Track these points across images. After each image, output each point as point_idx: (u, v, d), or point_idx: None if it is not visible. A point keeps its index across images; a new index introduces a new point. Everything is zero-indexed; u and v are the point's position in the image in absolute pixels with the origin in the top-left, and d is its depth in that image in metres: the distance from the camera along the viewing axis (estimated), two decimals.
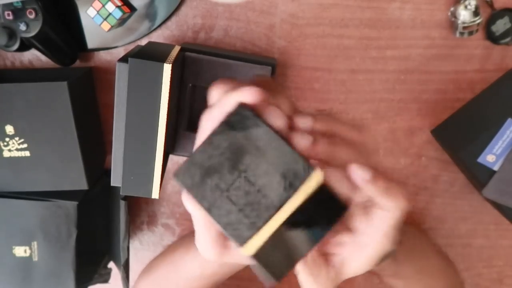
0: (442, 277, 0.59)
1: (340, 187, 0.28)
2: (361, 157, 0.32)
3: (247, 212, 0.25)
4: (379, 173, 0.30)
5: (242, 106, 0.26)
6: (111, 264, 0.66)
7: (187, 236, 0.63)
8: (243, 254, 0.25)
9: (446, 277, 0.60)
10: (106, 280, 0.65)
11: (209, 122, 0.28)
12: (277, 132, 0.26)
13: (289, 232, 0.25)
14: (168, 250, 0.62)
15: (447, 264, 0.62)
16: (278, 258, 0.25)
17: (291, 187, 0.25)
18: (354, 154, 0.31)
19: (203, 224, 0.29)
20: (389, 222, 0.31)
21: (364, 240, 0.32)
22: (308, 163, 0.25)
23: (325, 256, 0.32)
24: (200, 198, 0.26)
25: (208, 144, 0.26)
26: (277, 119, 0.27)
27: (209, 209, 0.26)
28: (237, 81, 0.30)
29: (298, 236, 0.25)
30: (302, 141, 0.27)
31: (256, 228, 0.25)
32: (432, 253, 0.60)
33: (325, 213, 0.25)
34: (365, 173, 0.29)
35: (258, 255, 0.25)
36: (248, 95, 0.26)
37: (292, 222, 0.25)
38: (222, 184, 0.26)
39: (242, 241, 0.25)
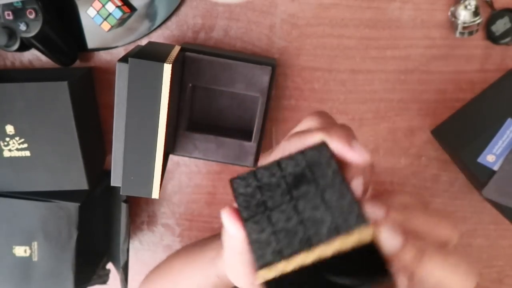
0: None
1: (393, 256, 0.24)
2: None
3: (280, 237, 0.24)
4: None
5: (325, 147, 0.26)
6: (110, 265, 0.66)
7: (188, 247, 0.62)
8: (256, 279, 0.24)
9: None
10: (104, 281, 0.65)
11: (289, 146, 0.28)
12: (344, 177, 0.25)
13: (313, 277, 0.23)
14: (167, 261, 0.62)
15: None
16: None
17: (335, 231, 0.23)
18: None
19: (241, 246, 0.28)
20: None
21: None
22: (363, 215, 0.23)
23: None
24: (242, 207, 0.26)
25: (276, 165, 0.26)
26: (358, 185, 0.26)
27: (245, 220, 0.25)
28: (335, 124, 0.28)
29: (322, 286, 0.23)
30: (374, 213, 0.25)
31: (281, 256, 0.23)
32: None
33: (362, 274, 0.22)
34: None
35: (270, 286, 0.23)
36: (357, 156, 0.25)
37: (320, 267, 0.23)
38: (269, 202, 0.25)
39: (261, 263, 0.23)
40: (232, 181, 0.27)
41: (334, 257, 0.23)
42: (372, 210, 0.25)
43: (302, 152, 0.26)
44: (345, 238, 0.23)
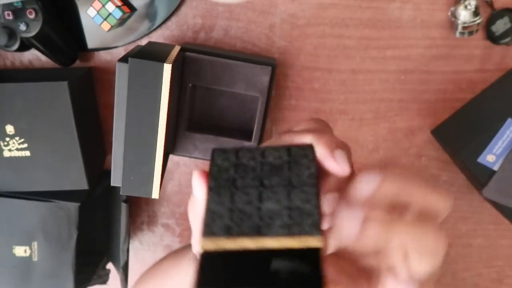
0: None
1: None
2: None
3: (234, 216, 0.24)
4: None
5: (311, 149, 0.26)
6: (110, 265, 0.66)
7: (176, 250, 0.63)
8: (197, 246, 0.24)
9: None
10: (104, 281, 0.65)
11: (279, 141, 0.28)
12: (318, 184, 0.25)
13: (250, 263, 0.22)
14: (156, 264, 0.62)
15: None
16: (220, 280, 0.22)
17: (286, 230, 0.23)
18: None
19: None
20: None
21: None
22: (319, 226, 0.23)
23: None
24: (212, 177, 0.26)
25: (260, 151, 0.27)
26: (330, 200, 0.26)
27: (209, 189, 0.26)
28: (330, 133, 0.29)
29: (252, 276, 0.22)
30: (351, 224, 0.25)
31: (227, 232, 0.23)
32: None
33: (297, 275, 0.22)
34: None
35: (206, 260, 0.23)
36: (336, 166, 0.26)
37: (258, 258, 0.23)
38: (239, 181, 0.26)
39: (207, 232, 0.23)
40: (214, 150, 0.27)
41: (278, 250, 0.23)
42: (366, 179, 0.25)
43: (288, 148, 0.27)
44: (292, 239, 0.23)
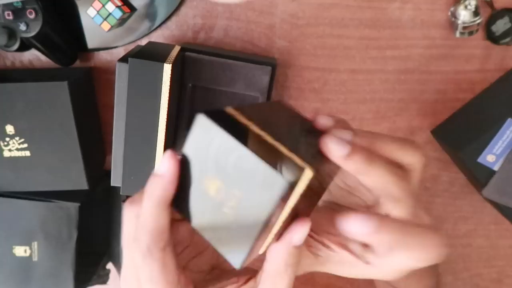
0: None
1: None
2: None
3: (265, 118, 0.27)
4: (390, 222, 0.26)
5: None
6: (110, 265, 0.66)
7: None
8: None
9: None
10: (104, 281, 0.65)
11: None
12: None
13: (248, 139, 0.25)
14: None
15: None
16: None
17: (295, 146, 0.25)
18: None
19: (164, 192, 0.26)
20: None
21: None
22: (315, 162, 0.25)
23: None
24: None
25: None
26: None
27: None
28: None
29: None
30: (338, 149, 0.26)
31: (253, 118, 0.26)
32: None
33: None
34: (365, 226, 0.25)
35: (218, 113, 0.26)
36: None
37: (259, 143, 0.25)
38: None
39: (237, 108, 0.27)
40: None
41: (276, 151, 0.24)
42: (340, 134, 0.26)
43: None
44: (295, 155, 0.25)
